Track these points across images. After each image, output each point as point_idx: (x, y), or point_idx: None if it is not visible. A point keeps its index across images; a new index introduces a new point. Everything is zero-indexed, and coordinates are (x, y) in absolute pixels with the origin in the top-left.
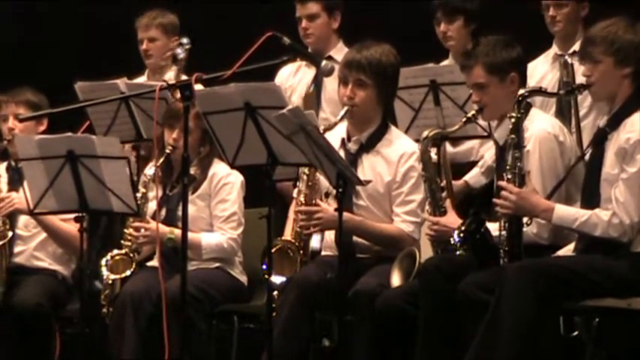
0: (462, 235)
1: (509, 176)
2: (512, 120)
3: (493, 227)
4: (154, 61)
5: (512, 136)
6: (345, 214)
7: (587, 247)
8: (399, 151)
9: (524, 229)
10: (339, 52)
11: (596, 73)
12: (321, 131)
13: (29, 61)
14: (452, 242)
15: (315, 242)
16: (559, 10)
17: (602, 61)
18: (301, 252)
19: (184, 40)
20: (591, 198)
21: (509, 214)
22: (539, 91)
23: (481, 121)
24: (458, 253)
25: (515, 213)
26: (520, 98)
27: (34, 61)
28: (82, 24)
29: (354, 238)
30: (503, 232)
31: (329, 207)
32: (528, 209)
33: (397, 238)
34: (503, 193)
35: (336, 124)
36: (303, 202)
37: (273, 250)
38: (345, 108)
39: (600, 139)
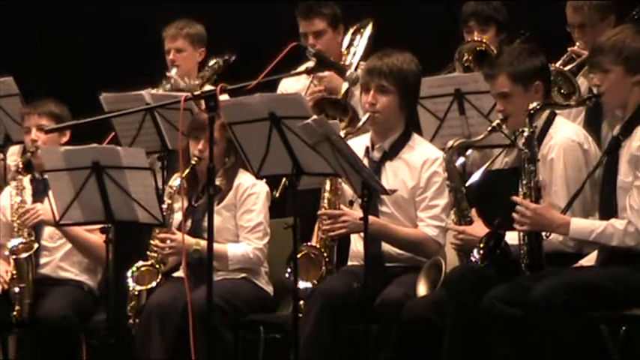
0: (481, 252)
1: (525, 191)
2: (525, 134)
3: (511, 237)
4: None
5: (526, 150)
6: (370, 218)
7: (609, 257)
8: (422, 156)
9: (545, 239)
10: None
11: (607, 83)
12: (344, 135)
13: (53, 71)
14: (473, 259)
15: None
16: (583, 34)
17: (612, 70)
18: (327, 259)
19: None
20: (608, 207)
21: (526, 230)
22: (551, 104)
23: (505, 130)
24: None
25: (532, 229)
26: (532, 112)
27: (58, 71)
28: (107, 33)
29: (382, 247)
30: (523, 246)
31: (354, 211)
32: (544, 225)
33: (422, 242)
34: (519, 209)
35: (358, 128)
36: (327, 206)
37: (298, 257)
38: (367, 114)
39: (614, 147)
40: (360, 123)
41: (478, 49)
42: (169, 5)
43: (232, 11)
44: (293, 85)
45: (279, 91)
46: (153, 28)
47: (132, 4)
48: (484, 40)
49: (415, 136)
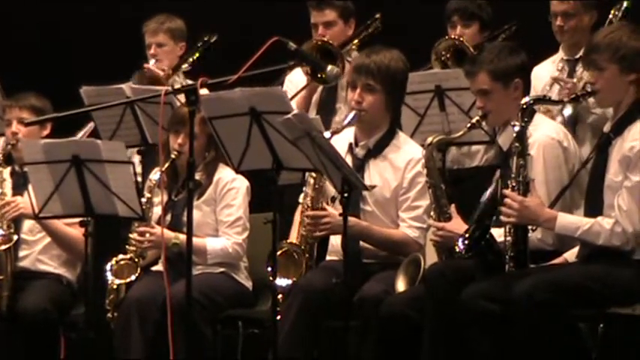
0: (467, 242)
1: (514, 184)
2: (517, 128)
3: (498, 233)
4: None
5: (517, 144)
6: (352, 219)
7: (591, 254)
8: (406, 156)
9: (530, 234)
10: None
11: (602, 81)
12: (329, 134)
13: (34, 65)
14: (457, 250)
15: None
16: (567, 21)
17: (607, 69)
18: (307, 255)
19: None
20: (594, 204)
21: (512, 222)
22: (544, 100)
23: (485, 126)
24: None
25: (519, 222)
26: (524, 106)
27: (39, 65)
28: (87, 27)
29: (361, 243)
30: (509, 238)
31: (336, 211)
32: (531, 218)
33: (403, 243)
34: (507, 201)
35: (343, 127)
36: (310, 205)
37: (278, 253)
38: (353, 112)
39: (604, 144)
40: (346, 121)
41: (453, 48)
42: (169, 5)
43: (231, 11)
44: (302, 78)
45: (285, 85)
46: (133, 21)
47: (131, 4)
48: (460, 37)
49: (400, 135)
